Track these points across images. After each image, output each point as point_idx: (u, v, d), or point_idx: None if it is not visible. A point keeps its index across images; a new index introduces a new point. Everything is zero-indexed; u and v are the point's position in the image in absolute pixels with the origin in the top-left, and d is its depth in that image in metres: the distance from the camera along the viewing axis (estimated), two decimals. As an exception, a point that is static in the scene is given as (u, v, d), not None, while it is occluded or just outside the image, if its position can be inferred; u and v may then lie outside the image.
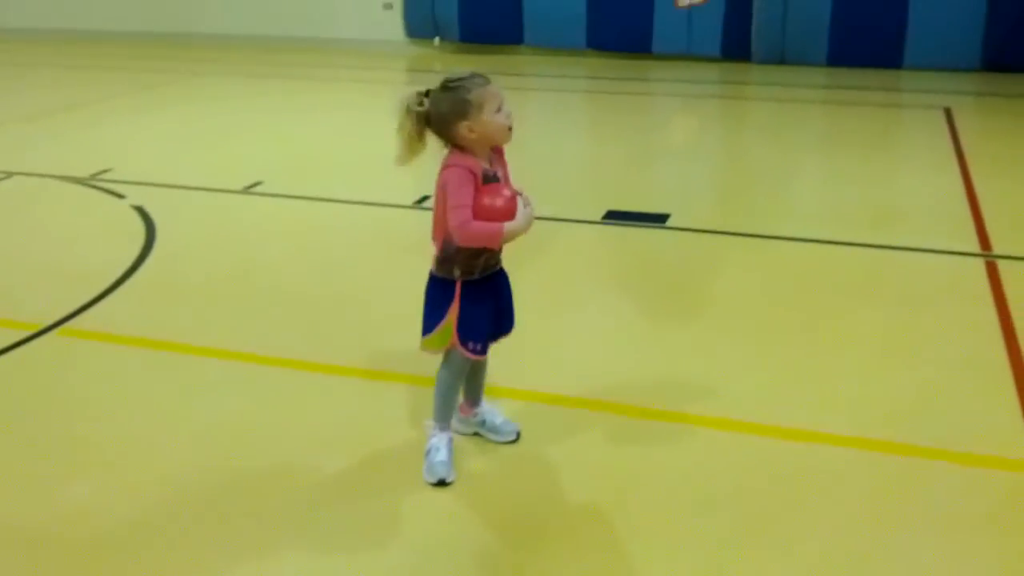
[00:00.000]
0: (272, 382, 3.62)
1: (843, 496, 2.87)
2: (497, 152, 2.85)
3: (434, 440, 2.97)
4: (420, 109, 2.70)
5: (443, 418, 3.00)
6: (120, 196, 5.97)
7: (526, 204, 2.74)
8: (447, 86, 2.71)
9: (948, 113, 8.19)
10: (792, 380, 3.62)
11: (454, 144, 2.73)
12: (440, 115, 2.69)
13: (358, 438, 3.20)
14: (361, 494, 2.90)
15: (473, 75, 2.73)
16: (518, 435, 3.16)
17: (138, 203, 5.78)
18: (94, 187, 6.19)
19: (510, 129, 2.75)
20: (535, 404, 3.42)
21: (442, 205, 2.74)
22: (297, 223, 5.61)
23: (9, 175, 6.54)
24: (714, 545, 2.65)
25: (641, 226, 5.43)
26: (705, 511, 2.80)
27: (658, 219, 5.50)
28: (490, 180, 2.73)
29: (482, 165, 2.73)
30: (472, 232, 2.68)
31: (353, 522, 2.77)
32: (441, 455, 2.94)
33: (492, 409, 3.20)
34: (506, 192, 2.74)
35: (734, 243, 5.19)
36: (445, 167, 2.74)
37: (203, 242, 5.27)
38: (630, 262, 5.02)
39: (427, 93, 2.73)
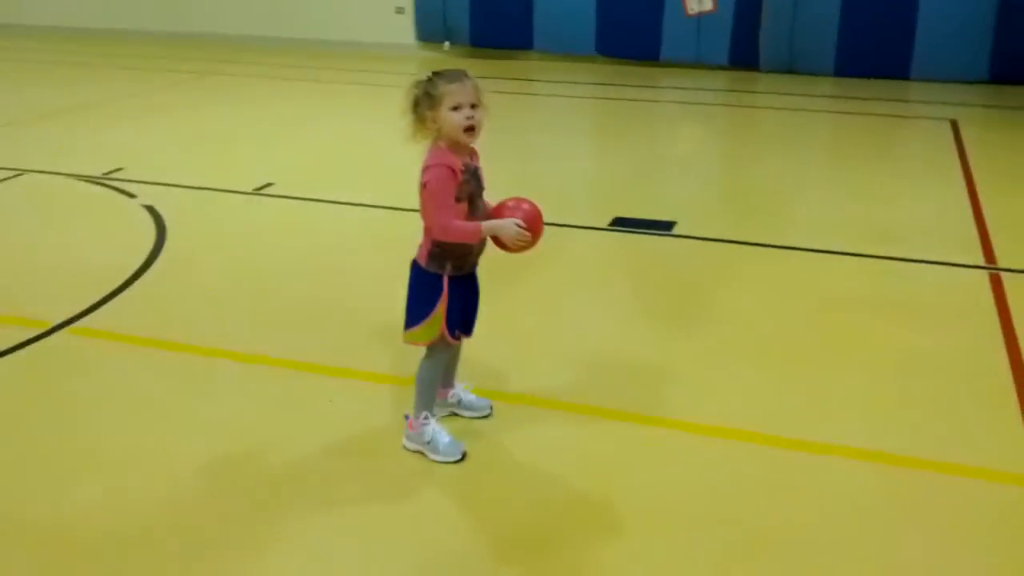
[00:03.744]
0: (282, 384, 3.66)
1: (846, 508, 2.90)
2: (473, 155, 3.00)
3: (429, 427, 3.12)
4: (416, 92, 2.92)
5: (428, 406, 3.15)
6: (131, 195, 6.02)
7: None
8: (429, 76, 2.92)
9: (954, 125, 8.21)
10: (796, 391, 3.65)
11: (427, 131, 2.92)
12: (414, 101, 2.91)
13: (367, 442, 3.24)
14: (367, 496, 2.94)
15: (451, 72, 2.91)
16: (491, 409, 3.36)
17: (149, 203, 5.83)
18: (106, 186, 6.24)
19: (467, 130, 2.88)
20: (537, 408, 3.46)
21: (426, 203, 2.91)
22: (307, 225, 5.65)
23: (22, 172, 6.60)
24: (719, 555, 2.68)
25: (647, 233, 5.46)
26: (708, 523, 2.83)
27: (664, 226, 5.54)
28: (469, 174, 2.91)
29: (461, 160, 2.90)
30: (454, 230, 2.89)
31: (358, 525, 2.81)
32: (445, 436, 3.12)
33: (463, 388, 3.39)
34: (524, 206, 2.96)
35: (740, 252, 5.22)
36: (426, 166, 2.90)
37: (213, 243, 5.32)
38: (636, 269, 5.06)
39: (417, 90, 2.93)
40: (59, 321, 4.15)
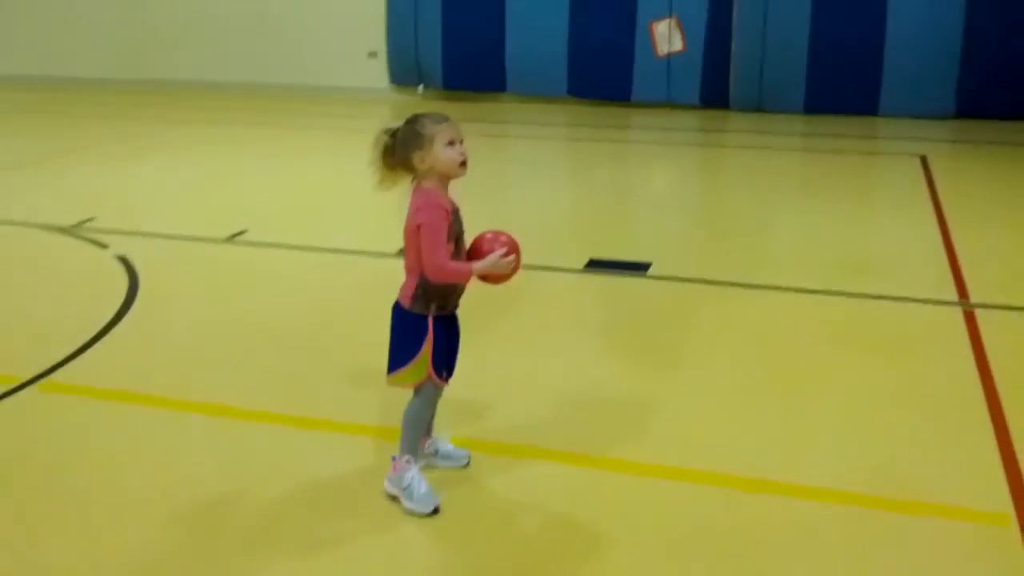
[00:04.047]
0: (255, 437, 3.61)
1: (820, 549, 2.88)
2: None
3: (410, 474, 3.08)
4: (387, 140, 2.96)
5: (413, 449, 3.13)
6: (103, 246, 5.97)
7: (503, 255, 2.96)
8: (408, 120, 2.96)
9: (924, 160, 8.31)
10: (771, 431, 3.63)
11: (415, 175, 2.95)
12: (398, 145, 2.94)
13: (340, 493, 3.20)
14: (342, 547, 2.90)
15: (434, 114, 2.97)
16: (469, 459, 3.33)
17: (121, 252, 5.78)
18: (77, 236, 6.19)
19: (462, 164, 2.94)
20: (514, 457, 3.42)
21: (418, 246, 2.91)
22: (281, 273, 5.62)
23: (-9, 224, 6.54)
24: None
25: (623, 275, 5.47)
26: (678, 564, 2.80)
27: (640, 268, 5.55)
28: (456, 215, 2.95)
29: (449, 200, 2.95)
30: (449, 271, 2.91)
31: (334, 572, 2.77)
32: (423, 485, 3.08)
33: (440, 438, 3.36)
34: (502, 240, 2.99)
35: (715, 292, 5.23)
36: (418, 208, 2.92)
37: (186, 292, 5.27)
38: (612, 312, 5.05)
39: (396, 131, 2.98)
40: (28, 377, 4.09)
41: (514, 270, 2.99)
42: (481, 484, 3.24)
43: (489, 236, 3.01)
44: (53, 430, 3.68)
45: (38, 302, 5.11)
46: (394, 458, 3.14)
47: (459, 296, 3.05)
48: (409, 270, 2.99)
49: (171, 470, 3.36)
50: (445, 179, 2.95)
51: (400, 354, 3.00)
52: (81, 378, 4.12)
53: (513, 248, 2.98)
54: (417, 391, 3.08)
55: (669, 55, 11.03)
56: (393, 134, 2.96)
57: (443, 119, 2.94)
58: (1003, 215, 6.84)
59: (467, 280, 2.98)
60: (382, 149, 2.96)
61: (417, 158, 2.90)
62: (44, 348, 4.36)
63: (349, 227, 6.47)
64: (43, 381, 4.07)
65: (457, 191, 3.07)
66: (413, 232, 2.92)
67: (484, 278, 3.00)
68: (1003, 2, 9.93)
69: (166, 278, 5.45)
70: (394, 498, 3.11)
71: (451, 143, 2.90)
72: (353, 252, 5.92)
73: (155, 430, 3.67)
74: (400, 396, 3.14)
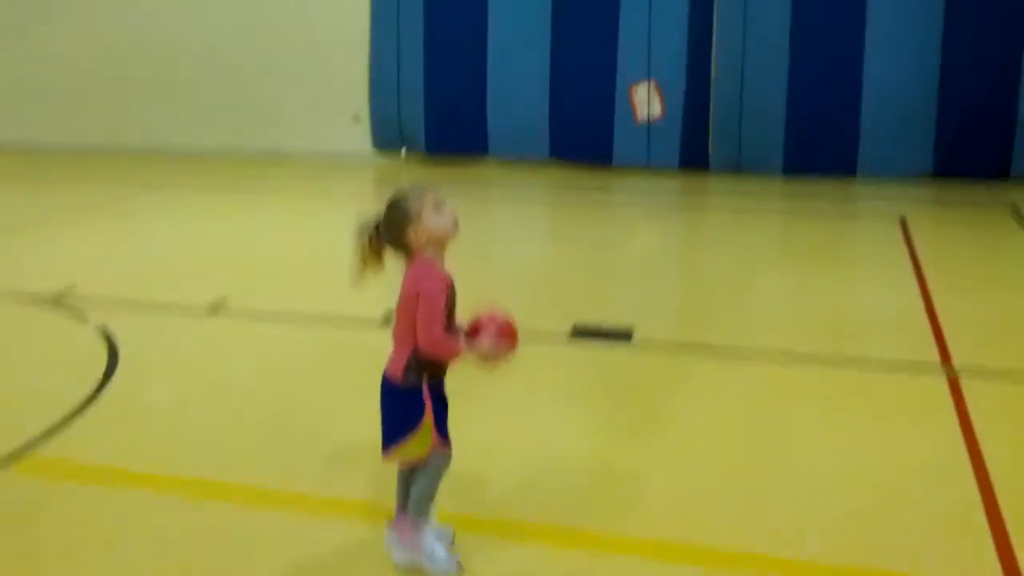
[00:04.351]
0: (238, 515, 3.55)
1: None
2: None
3: (429, 537, 3.06)
4: (371, 230, 2.98)
5: (427, 513, 3.10)
6: (83, 316, 5.92)
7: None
8: (389, 203, 2.97)
9: (903, 222, 8.38)
10: (756, 502, 3.60)
11: (410, 252, 2.95)
12: (389, 229, 2.95)
13: (336, 571, 3.14)
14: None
15: (410, 188, 2.99)
16: (454, 537, 3.22)
17: (101, 323, 5.73)
18: (57, 307, 6.14)
19: (455, 224, 2.98)
20: (497, 536, 3.37)
21: (414, 315, 2.90)
22: (263, 342, 5.59)
23: (-30, 295, 6.49)
24: None
25: (606, 343, 5.45)
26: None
27: (623, 335, 5.54)
28: (452, 289, 2.96)
29: (446, 273, 2.97)
30: (445, 346, 2.93)
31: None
32: (441, 548, 3.06)
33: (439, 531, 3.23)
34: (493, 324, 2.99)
35: (699, 359, 5.23)
36: (418, 277, 2.92)
37: (167, 364, 5.23)
38: (595, 380, 5.03)
39: (369, 228, 2.99)
40: (2, 455, 4.01)
41: (507, 353, 3.00)
42: (468, 563, 3.18)
43: (485, 319, 3.02)
44: (27, 511, 3.61)
45: (15, 377, 5.04)
46: (394, 528, 3.09)
47: (448, 364, 3.04)
48: (399, 340, 2.97)
49: (152, 552, 3.29)
50: (442, 246, 2.98)
51: (397, 429, 2.97)
52: (58, 456, 4.05)
53: (509, 334, 3.00)
54: (425, 464, 3.04)
55: (649, 120, 11.15)
56: (376, 223, 2.98)
57: (422, 190, 2.97)
58: (983, 276, 6.89)
59: (456, 357, 2.98)
60: (368, 239, 2.97)
61: (411, 234, 2.92)
62: (21, 425, 4.28)
63: (332, 294, 6.44)
64: (18, 460, 4.00)
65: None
66: (411, 299, 2.92)
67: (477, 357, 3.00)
68: (975, 63, 10.11)
69: (147, 349, 5.40)
70: (406, 568, 3.04)
71: (438, 207, 2.93)
72: (336, 320, 5.89)
73: (135, 510, 3.60)
74: (389, 469, 3.10)
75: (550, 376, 5.06)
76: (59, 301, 6.24)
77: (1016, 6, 10.03)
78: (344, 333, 5.70)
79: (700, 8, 10.82)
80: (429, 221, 2.92)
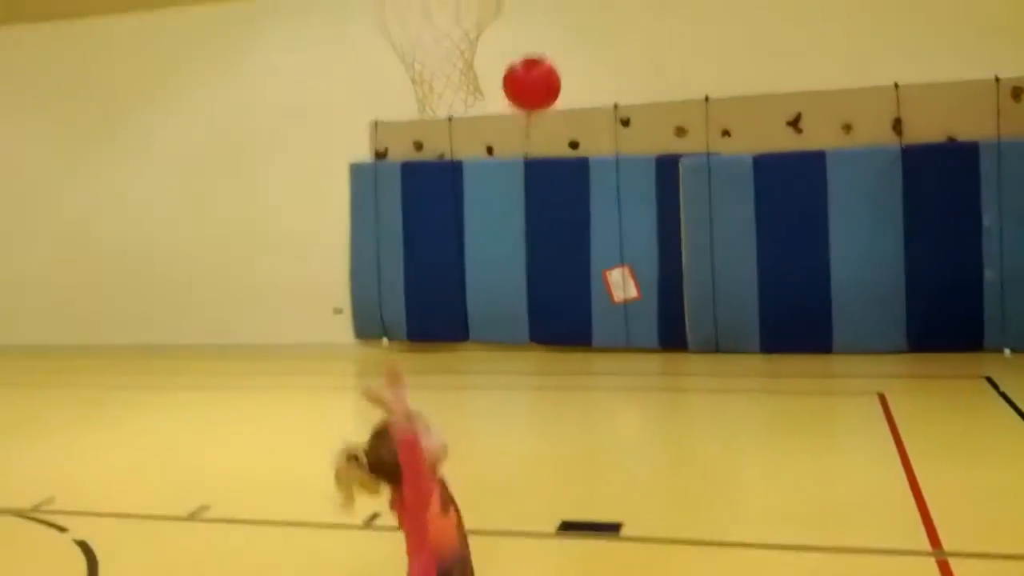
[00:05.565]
0: None
1: None
2: None
3: None
4: (363, 463, 2.93)
5: None
6: (62, 529, 5.83)
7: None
8: (377, 435, 2.95)
9: (882, 398, 8.46)
10: None
11: (398, 479, 2.89)
12: (378, 458, 2.91)
13: None
14: None
15: (393, 418, 2.89)
16: None
17: (80, 536, 5.63)
18: (34, 520, 6.05)
19: (444, 449, 2.96)
20: None
21: (419, 522, 2.86)
22: (245, 551, 5.48)
23: (-54, 509, 6.38)
24: None
25: (594, 538, 5.40)
26: None
27: (610, 528, 5.48)
28: (444, 488, 2.95)
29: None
30: (416, 450, 2.82)
31: None
32: None
33: None
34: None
35: (687, 552, 5.18)
36: (417, 501, 2.86)
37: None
38: (585, 578, 4.96)
39: (356, 456, 2.94)
40: None
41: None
42: None
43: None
44: None
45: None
46: None
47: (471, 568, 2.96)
48: (414, 553, 2.90)
49: None
50: (432, 470, 2.94)
51: None
52: None
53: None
54: None
55: (625, 301, 11.38)
56: (362, 451, 2.94)
57: (408, 418, 2.89)
58: (966, 453, 6.91)
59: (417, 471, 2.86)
60: (354, 468, 2.93)
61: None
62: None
63: (315, 498, 6.37)
64: None
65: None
66: (414, 501, 2.86)
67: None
68: (938, 239, 10.43)
69: (127, 562, 5.29)
70: None
71: (425, 433, 2.89)
72: (321, 526, 5.80)
73: None
74: None
75: (540, 572, 4.99)
76: (37, 511, 6.14)
77: (971, 179, 10.42)
78: (328, 537, 5.60)
79: (666, 200, 11.23)
80: (425, 447, 2.88)
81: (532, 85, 2.96)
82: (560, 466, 7.14)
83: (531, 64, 3.09)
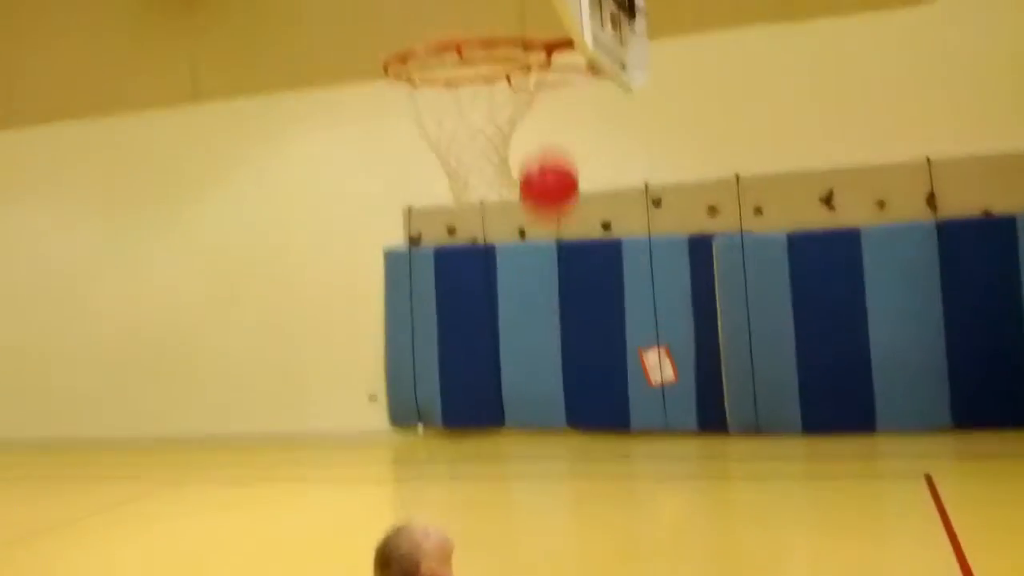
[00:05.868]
0: None
1: None
2: None
3: None
4: None
5: None
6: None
7: None
8: (384, 561, 2.93)
9: (929, 480, 8.22)
10: None
11: None
12: None
13: None
14: None
15: (396, 538, 2.95)
16: None
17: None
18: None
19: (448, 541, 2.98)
20: None
21: None
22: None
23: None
24: None
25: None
26: None
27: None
28: None
29: None
30: None
31: None
32: None
33: None
34: None
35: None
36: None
37: None
38: None
39: None
40: None
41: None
42: None
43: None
44: None
45: None
46: None
47: None
48: None
49: None
50: None
51: None
52: None
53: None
54: None
55: (663, 384, 11.24)
56: None
57: (408, 534, 2.94)
58: (1020, 537, 6.66)
59: None
60: None
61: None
62: None
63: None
64: None
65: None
66: None
67: None
68: (978, 313, 10.25)
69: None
70: None
71: (444, 562, 2.92)
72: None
73: None
74: None
75: None
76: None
77: (1010, 252, 10.27)
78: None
79: (702, 281, 11.17)
80: (434, 564, 2.89)
81: (548, 191, 2.94)
82: (598, 562, 6.94)
83: (546, 166, 3.05)
